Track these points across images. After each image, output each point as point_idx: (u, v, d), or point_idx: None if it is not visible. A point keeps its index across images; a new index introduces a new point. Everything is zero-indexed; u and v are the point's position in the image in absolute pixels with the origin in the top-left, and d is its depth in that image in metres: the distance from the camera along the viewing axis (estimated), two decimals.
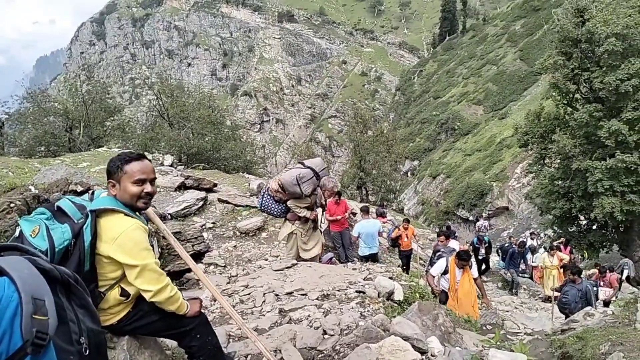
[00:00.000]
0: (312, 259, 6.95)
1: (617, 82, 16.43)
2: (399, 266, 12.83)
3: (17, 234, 2.26)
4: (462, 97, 61.58)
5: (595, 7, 18.78)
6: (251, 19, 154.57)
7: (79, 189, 5.14)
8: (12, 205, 3.95)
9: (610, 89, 16.67)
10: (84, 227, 2.31)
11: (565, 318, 8.23)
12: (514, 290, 15.23)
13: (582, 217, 20.35)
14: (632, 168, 16.36)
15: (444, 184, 46.43)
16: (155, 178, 2.58)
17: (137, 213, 2.55)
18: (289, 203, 6.60)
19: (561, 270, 13.22)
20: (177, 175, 12.81)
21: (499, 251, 18.72)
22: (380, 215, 17.59)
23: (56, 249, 2.22)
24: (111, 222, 2.37)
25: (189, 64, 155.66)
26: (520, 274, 16.85)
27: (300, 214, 6.63)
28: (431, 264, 8.26)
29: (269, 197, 6.69)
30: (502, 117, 49.45)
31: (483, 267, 16.83)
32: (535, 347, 5.20)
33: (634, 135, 16.30)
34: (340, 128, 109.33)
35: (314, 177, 6.35)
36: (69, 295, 1.42)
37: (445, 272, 7.50)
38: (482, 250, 16.82)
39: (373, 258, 10.41)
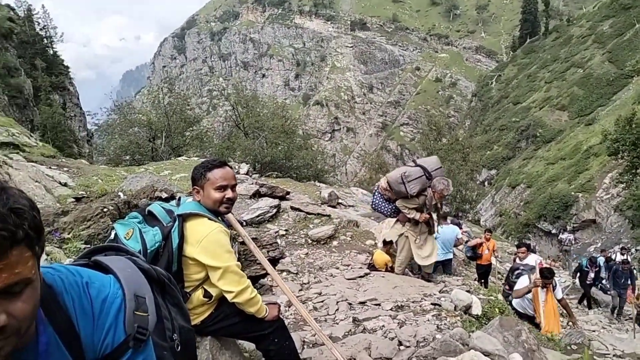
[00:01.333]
0: (427, 267, 6.67)
1: None
2: (474, 280, 12.36)
3: (112, 236, 2.45)
4: (545, 103, 58.58)
5: None
6: (324, 28, 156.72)
7: (164, 195, 5.42)
8: (105, 210, 4.24)
9: None
10: (172, 230, 2.45)
11: None
12: (615, 316, 13.25)
13: None
14: None
15: (524, 194, 44.25)
16: (236, 184, 2.68)
17: (220, 218, 2.65)
18: (397, 203, 6.31)
19: None
20: (252, 184, 13.16)
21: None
22: (457, 226, 17.03)
23: (148, 251, 2.37)
24: (196, 226, 2.49)
25: (263, 75, 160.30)
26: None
27: (409, 215, 6.29)
28: (508, 283, 7.50)
29: (379, 195, 6.56)
30: (588, 124, 46.43)
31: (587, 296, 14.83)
32: None
33: None
34: (413, 136, 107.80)
35: (424, 176, 5.91)
36: (164, 294, 1.51)
37: (528, 292, 6.78)
38: (592, 275, 14.52)
39: (446, 266, 10.12)
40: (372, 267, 9.22)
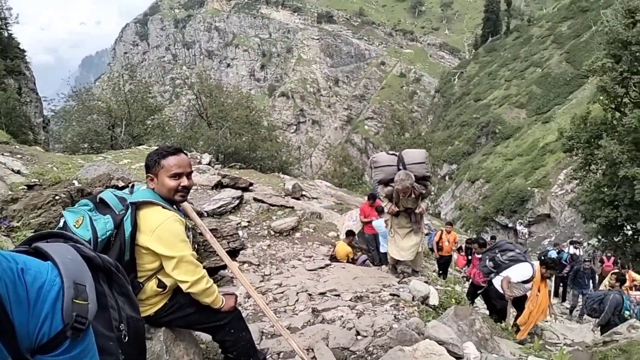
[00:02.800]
0: (412, 263, 6.25)
1: None
2: (434, 271, 12.63)
3: (61, 224, 2.34)
4: (504, 100, 60.12)
5: None
6: (290, 20, 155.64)
7: (120, 184, 5.28)
8: (57, 197, 4.09)
9: None
10: (125, 218, 2.37)
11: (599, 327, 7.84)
12: (571, 315, 12.95)
13: (628, 227, 19.54)
14: None
15: (483, 189, 45.42)
16: (191, 172, 2.62)
17: (175, 206, 2.59)
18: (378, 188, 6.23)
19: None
20: (214, 174, 13.03)
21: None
22: None
23: (99, 239, 2.29)
24: (150, 214, 2.42)
25: (228, 65, 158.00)
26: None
27: (382, 204, 6.28)
28: (494, 262, 6.86)
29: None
30: (545, 121, 47.99)
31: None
32: (575, 359, 5.00)
33: None
34: (377, 130, 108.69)
35: (394, 166, 5.55)
36: (111, 283, 1.46)
37: (527, 281, 6.47)
38: (567, 269, 14.22)
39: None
40: (334, 258, 9.29)
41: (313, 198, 15.62)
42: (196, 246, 4.90)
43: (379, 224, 10.15)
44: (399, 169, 5.50)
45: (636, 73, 17.47)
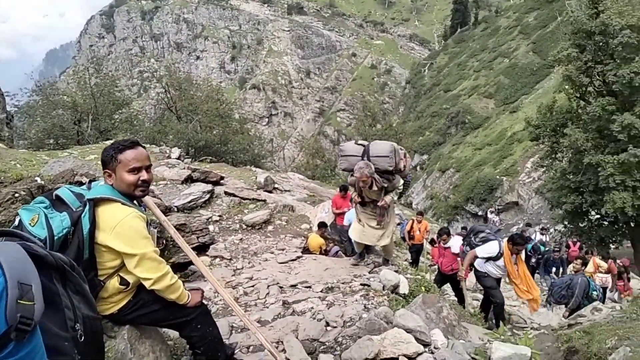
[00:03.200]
0: (384, 252, 6.21)
1: (631, 75, 16.23)
2: (405, 260, 12.79)
3: (16, 222, 2.25)
4: (473, 91, 61.07)
5: None
6: (260, 11, 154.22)
7: (85, 180, 5.15)
8: (16, 195, 3.95)
9: (623, 82, 16.46)
10: (82, 215, 2.29)
11: (569, 311, 8.10)
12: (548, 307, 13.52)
13: (593, 212, 20.15)
14: None
15: (453, 178, 46.17)
16: (150, 165, 2.55)
17: (136, 202, 2.53)
18: None
19: (607, 276, 11.78)
20: (184, 168, 12.84)
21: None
22: None
23: (55, 237, 2.21)
24: (109, 212, 2.35)
25: (198, 57, 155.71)
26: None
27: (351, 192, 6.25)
28: (469, 244, 7.15)
29: None
30: (513, 111, 48.99)
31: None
32: (541, 342, 5.14)
33: None
34: (349, 122, 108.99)
35: (358, 157, 5.37)
36: (65, 282, 1.41)
37: (496, 258, 6.61)
38: (533, 260, 14.20)
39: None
40: (306, 250, 9.30)
41: (286, 191, 15.58)
42: (164, 241, 4.84)
43: (351, 215, 10.19)
44: (363, 160, 5.32)
45: (600, 62, 17.94)
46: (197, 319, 2.63)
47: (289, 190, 15.95)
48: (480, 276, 6.95)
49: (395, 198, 5.69)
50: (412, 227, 12.35)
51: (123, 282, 2.43)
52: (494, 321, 6.79)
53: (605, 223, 20.27)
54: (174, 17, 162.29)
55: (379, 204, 5.53)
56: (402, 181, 5.69)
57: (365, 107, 34.11)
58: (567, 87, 19.88)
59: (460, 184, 43.35)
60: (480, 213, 37.17)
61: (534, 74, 53.79)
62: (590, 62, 18.08)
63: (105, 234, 2.31)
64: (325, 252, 9.68)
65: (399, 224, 16.64)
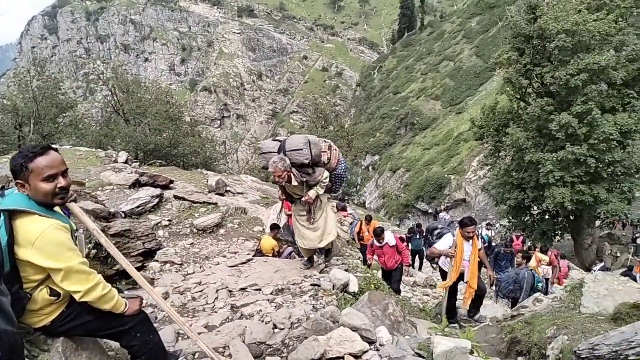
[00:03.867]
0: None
1: (567, 76, 17.02)
2: (358, 259, 12.95)
3: None
4: (421, 93, 62.60)
5: (547, 4, 19.41)
6: (210, 13, 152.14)
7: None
8: None
9: (560, 83, 17.25)
10: None
11: (511, 302, 8.44)
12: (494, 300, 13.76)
13: (535, 207, 21.06)
14: (581, 159, 17.01)
15: (403, 177, 47.14)
16: (67, 169, 2.38)
17: (59, 209, 2.40)
18: None
19: (548, 268, 12.26)
20: (131, 172, 12.47)
21: None
22: (342, 209, 17.71)
23: None
24: (26, 225, 2.19)
25: (146, 59, 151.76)
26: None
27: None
28: (429, 244, 7.14)
29: None
30: (459, 112, 50.59)
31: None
32: (486, 333, 5.34)
33: (583, 128, 16.92)
34: (302, 124, 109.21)
35: (274, 153, 5.21)
36: None
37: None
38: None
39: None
40: (259, 252, 9.24)
41: (238, 193, 15.42)
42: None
43: None
44: (279, 154, 5.17)
45: (538, 65, 18.77)
46: (136, 327, 2.53)
47: (241, 193, 15.80)
48: (443, 276, 6.89)
49: (321, 191, 5.39)
50: (360, 229, 12.53)
51: (53, 293, 2.30)
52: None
53: (547, 217, 21.27)
54: (120, 18, 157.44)
55: (302, 199, 5.39)
56: (326, 174, 5.37)
57: (317, 109, 34.23)
58: (508, 88, 20.68)
59: (410, 183, 44.33)
60: (430, 211, 38.13)
61: (478, 76, 55.80)
62: (529, 64, 18.90)
63: (26, 250, 2.16)
64: (278, 254, 9.65)
65: (351, 224, 16.87)
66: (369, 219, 12.55)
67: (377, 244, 8.98)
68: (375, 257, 9.45)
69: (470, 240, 6.35)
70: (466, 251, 6.35)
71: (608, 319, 4.06)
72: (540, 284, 8.68)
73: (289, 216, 10.78)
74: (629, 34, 17.55)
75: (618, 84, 17.27)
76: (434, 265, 13.22)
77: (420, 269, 16.06)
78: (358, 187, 37.76)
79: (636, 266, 17.40)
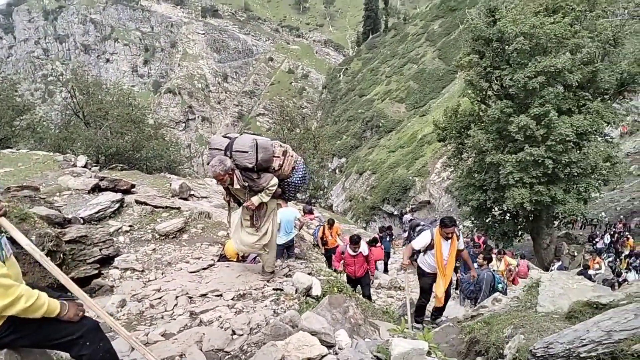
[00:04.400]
0: (262, 261, 5.71)
1: (525, 79, 17.46)
2: (324, 262, 12.96)
3: None
4: (386, 95, 63.37)
5: (505, 7, 19.90)
6: (173, 13, 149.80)
7: None
8: None
9: (519, 86, 17.70)
10: None
11: (473, 303, 8.60)
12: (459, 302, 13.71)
13: (496, 208, 21.55)
14: (540, 161, 17.48)
15: (370, 180, 47.58)
16: None
17: None
18: None
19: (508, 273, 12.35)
20: (91, 177, 12.13)
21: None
22: (309, 212, 17.70)
23: None
24: None
25: (108, 60, 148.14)
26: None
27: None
28: (411, 240, 6.98)
29: None
30: (423, 115, 51.44)
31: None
32: (446, 334, 5.41)
33: (541, 130, 17.40)
34: (269, 126, 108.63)
35: (223, 151, 4.93)
36: None
37: (431, 247, 6.46)
38: None
39: (289, 249, 10.42)
40: (223, 257, 9.11)
41: (202, 197, 15.18)
42: (62, 255, 4.53)
43: (280, 214, 10.18)
44: (225, 155, 4.90)
45: (497, 68, 19.24)
46: (85, 336, 2.45)
47: (206, 197, 15.57)
48: (420, 274, 6.91)
49: (266, 199, 5.05)
50: (324, 233, 12.53)
51: None
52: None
53: (508, 218, 21.82)
54: (80, 18, 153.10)
55: (244, 204, 5.11)
56: (274, 182, 5.00)
57: (282, 111, 34.09)
58: (469, 91, 21.11)
59: (376, 185, 44.78)
60: (395, 213, 38.58)
61: (440, 79, 56.91)
62: (489, 67, 19.35)
63: None
64: (243, 258, 9.56)
65: (318, 227, 16.86)
66: (331, 223, 12.56)
67: (352, 252, 8.63)
68: (341, 265, 9.10)
69: (449, 240, 6.33)
70: (444, 250, 6.33)
71: (563, 318, 4.17)
72: (500, 285, 8.84)
73: None
74: (583, 37, 18.12)
75: (574, 86, 17.86)
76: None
77: (385, 271, 16.21)
78: (325, 190, 37.81)
79: (590, 262, 18.04)
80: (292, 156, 5.23)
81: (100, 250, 4.83)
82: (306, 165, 5.87)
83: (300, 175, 5.37)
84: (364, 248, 8.81)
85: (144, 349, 2.54)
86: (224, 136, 5.19)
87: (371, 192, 44.79)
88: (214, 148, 5.03)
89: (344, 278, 9.18)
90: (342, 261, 9.04)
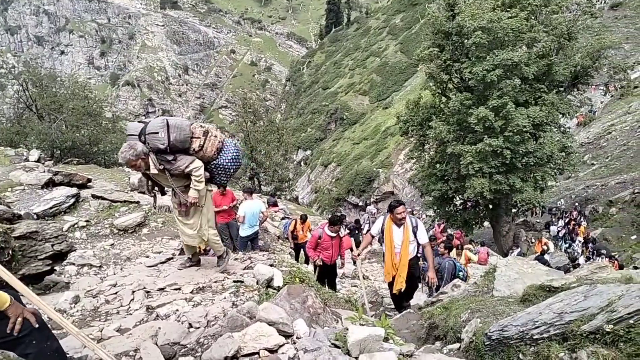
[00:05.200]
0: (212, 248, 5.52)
1: (484, 72, 17.83)
2: (289, 253, 12.95)
3: None
4: (349, 88, 63.62)
5: (464, 1, 20.23)
6: (131, 4, 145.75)
7: None
8: None
9: (477, 78, 18.06)
10: None
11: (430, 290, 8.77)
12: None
13: (457, 198, 22.00)
14: (498, 151, 17.93)
15: (335, 172, 47.78)
16: None
17: None
18: None
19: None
20: (44, 172, 11.70)
21: None
22: (273, 204, 17.63)
23: None
24: None
25: (62, 52, 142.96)
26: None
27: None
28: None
29: None
30: (386, 107, 51.95)
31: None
32: (407, 320, 5.49)
33: (499, 121, 17.82)
34: (232, 119, 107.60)
35: (137, 135, 4.64)
36: None
37: (382, 233, 6.22)
38: None
39: (253, 241, 10.37)
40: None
41: None
42: (10, 252, 4.34)
43: (245, 207, 10.09)
44: (140, 140, 4.59)
45: (457, 61, 19.57)
46: (30, 334, 2.34)
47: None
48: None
49: (200, 187, 4.79)
50: (295, 227, 12.51)
51: None
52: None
53: (468, 207, 22.34)
54: (32, 9, 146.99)
55: (180, 199, 4.87)
56: (195, 164, 4.71)
57: (245, 103, 33.68)
58: (430, 84, 21.40)
59: (341, 177, 45.02)
60: (360, 204, 38.92)
61: (403, 72, 57.54)
62: (449, 60, 19.68)
63: None
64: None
65: (282, 219, 16.83)
66: (304, 218, 12.55)
67: (332, 234, 8.21)
68: (319, 259, 8.52)
69: (402, 227, 6.03)
70: (396, 237, 6.07)
71: (518, 301, 4.28)
72: (461, 273, 9.04)
73: (216, 212, 10.58)
74: (539, 31, 18.62)
75: (530, 79, 18.35)
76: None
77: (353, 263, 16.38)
78: (290, 182, 37.74)
79: (536, 244, 18.75)
80: (215, 136, 4.95)
81: (53, 246, 4.65)
82: (238, 147, 5.46)
83: (229, 157, 5.08)
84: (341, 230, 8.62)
85: (93, 344, 2.46)
86: (140, 121, 4.97)
87: (336, 184, 45.02)
88: (130, 134, 4.74)
89: (310, 268, 9.16)
90: (316, 248, 8.54)
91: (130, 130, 4.75)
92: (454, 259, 11.37)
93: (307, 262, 10.48)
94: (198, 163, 4.74)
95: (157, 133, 4.52)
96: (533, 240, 22.88)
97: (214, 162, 4.98)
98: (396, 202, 6.18)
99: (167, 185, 4.94)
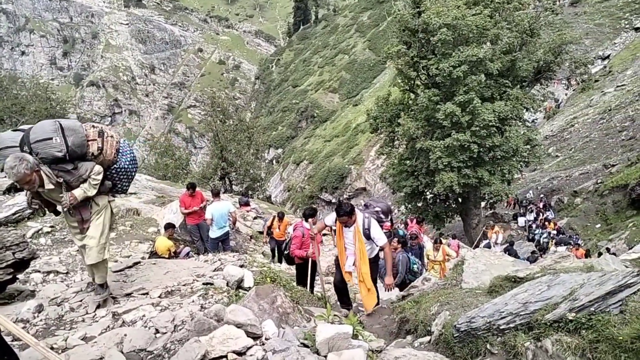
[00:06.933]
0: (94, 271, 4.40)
1: (450, 68, 18.11)
2: (262, 253, 12.90)
3: None
4: (319, 86, 63.71)
5: None
6: (93, 2, 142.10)
7: None
8: None
9: (444, 75, 18.31)
10: None
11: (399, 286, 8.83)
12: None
13: (428, 193, 22.29)
14: (466, 145, 18.26)
15: (307, 169, 47.83)
16: None
17: None
18: None
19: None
20: (5, 177, 11.33)
21: None
22: (245, 204, 17.52)
23: None
24: None
25: (23, 52, 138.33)
26: None
27: None
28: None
29: None
30: (356, 104, 52.25)
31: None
32: (380, 316, 5.54)
33: (466, 117, 18.14)
34: (201, 118, 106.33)
35: (18, 146, 3.86)
36: None
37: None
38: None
39: (224, 242, 10.26)
40: (154, 254, 8.83)
41: (131, 193, 14.62)
42: None
43: (212, 208, 9.94)
44: (22, 151, 3.78)
45: (424, 58, 19.79)
46: None
47: (134, 193, 15.03)
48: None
49: (92, 191, 4.08)
50: (272, 224, 12.45)
51: None
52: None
53: (439, 201, 22.68)
54: None
55: (62, 203, 4.01)
56: (97, 169, 4.10)
57: (213, 102, 33.22)
58: (399, 80, 21.60)
59: (314, 174, 45.11)
60: (333, 201, 39.03)
61: (371, 69, 57.94)
62: (416, 57, 19.89)
63: None
64: (175, 255, 9.31)
65: (255, 218, 16.75)
66: (281, 216, 12.52)
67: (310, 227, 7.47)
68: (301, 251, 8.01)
69: (352, 227, 5.61)
70: (345, 237, 5.75)
71: (485, 293, 4.37)
72: (415, 266, 9.04)
73: (186, 215, 10.45)
74: (502, 28, 19.02)
75: (495, 74, 18.73)
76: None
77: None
78: (262, 181, 37.52)
79: (489, 232, 19.21)
80: (112, 136, 4.32)
81: (14, 253, 4.49)
82: (131, 146, 4.86)
83: (129, 159, 4.52)
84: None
85: (54, 355, 2.39)
86: (14, 130, 4.09)
87: (309, 182, 45.08)
88: (4, 147, 3.88)
89: (282, 266, 9.12)
90: (302, 246, 7.99)
91: (6, 142, 3.90)
92: (426, 254, 11.44)
93: (289, 262, 9.74)
94: (99, 168, 4.14)
95: (51, 139, 3.81)
96: (502, 232, 23.42)
97: (114, 166, 4.38)
98: (340, 208, 5.56)
99: (58, 200, 4.09)
